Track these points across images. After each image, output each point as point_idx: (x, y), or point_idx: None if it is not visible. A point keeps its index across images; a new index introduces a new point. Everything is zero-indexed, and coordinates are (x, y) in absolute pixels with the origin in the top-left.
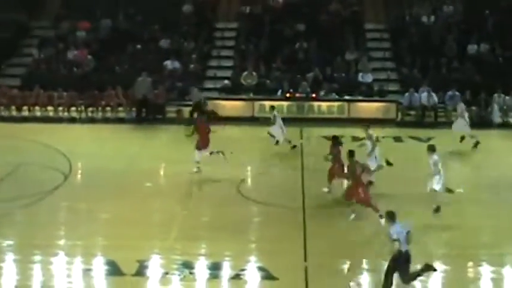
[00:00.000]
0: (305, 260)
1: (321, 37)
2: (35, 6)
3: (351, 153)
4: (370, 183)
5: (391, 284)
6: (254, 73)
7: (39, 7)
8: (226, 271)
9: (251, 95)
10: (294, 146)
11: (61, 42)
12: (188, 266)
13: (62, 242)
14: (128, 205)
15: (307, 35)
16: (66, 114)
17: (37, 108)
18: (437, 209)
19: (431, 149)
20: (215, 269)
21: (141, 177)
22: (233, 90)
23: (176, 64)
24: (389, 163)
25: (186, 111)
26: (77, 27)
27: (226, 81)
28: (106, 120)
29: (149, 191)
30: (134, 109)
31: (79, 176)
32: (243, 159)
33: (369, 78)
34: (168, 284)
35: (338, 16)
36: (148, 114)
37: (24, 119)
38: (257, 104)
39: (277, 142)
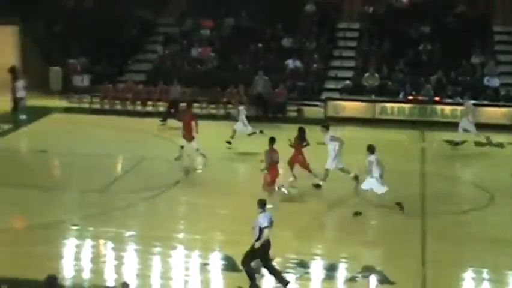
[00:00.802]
0: (423, 266)
1: (446, 39)
2: (161, 4)
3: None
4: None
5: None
6: (376, 74)
7: (164, 5)
8: (342, 273)
9: (372, 96)
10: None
11: (185, 39)
12: (304, 265)
13: (181, 235)
14: (246, 202)
15: (432, 36)
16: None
17: (161, 103)
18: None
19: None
20: (331, 269)
21: (259, 175)
22: (354, 91)
23: (298, 63)
24: None
25: (307, 110)
26: (201, 25)
27: (347, 82)
28: (226, 117)
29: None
30: (253, 107)
31: (200, 171)
32: (362, 161)
33: (496, 82)
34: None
35: (464, 18)
36: (266, 113)
37: (149, 114)
38: (378, 106)
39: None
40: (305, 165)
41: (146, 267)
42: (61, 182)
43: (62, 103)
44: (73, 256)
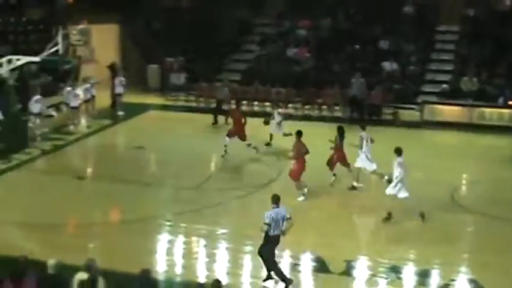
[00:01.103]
0: None
1: None
2: (258, 5)
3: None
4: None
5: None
6: (475, 79)
7: (262, 5)
8: (435, 280)
9: (470, 101)
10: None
11: (282, 39)
12: (395, 270)
13: None
14: (337, 203)
15: None
16: (283, 110)
17: (255, 103)
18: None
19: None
20: (423, 276)
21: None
22: (452, 95)
23: (395, 66)
24: None
25: (403, 113)
26: (297, 26)
27: (444, 86)
28: (321, 119)
29: (359, 192)
30: (348, 109)
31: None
32: (458, 166)
33: None
34: (374, 286)
35: None
36: (361, 115)
37: (243, 113)
38: (476, 110)
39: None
40: (346, 163)
41: (237, 266)
42: (156, 178)
43: (159, 100)
44: (166, 251)
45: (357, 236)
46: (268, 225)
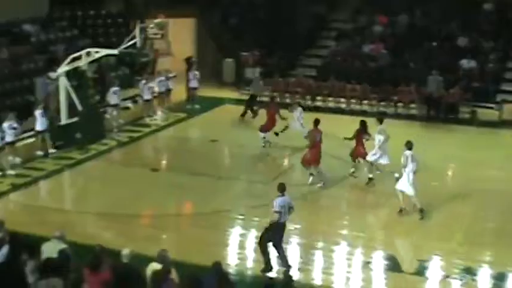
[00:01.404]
0: None
1: None
2: (335, 0)
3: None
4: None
5: (268, 253)
6: None
7: (338, 0)
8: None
9: None
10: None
11: (358, 35)
12: (470, 272)
13: (344, 231)
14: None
15: None
16: (358, 107)
17: (330, 99)
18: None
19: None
20: (499, 279)
21: (428, 176)
22: None
23: (473, 63)
24: None
25: (481, 112)
26: (374, 22)
27: None
28: (396, 116)
29: (435, 190)
30: (424, 107)
31: (366, 168)
32: None
33: None
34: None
35: None
36: (438, 113)
37: (317, 109)
38: None
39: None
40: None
41: (309, 261)
42: (230, 172)
43: (234, 94)
44: (238, 244)
45: (431, 236)
46: (279, 213)
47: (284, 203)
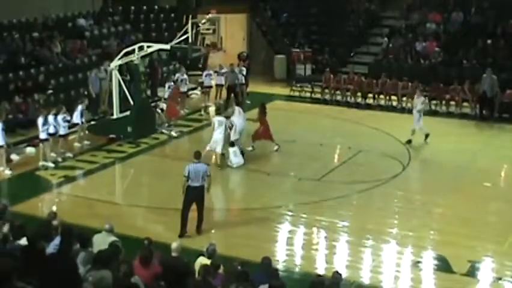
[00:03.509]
0: None
1: None
2: None
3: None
4: None
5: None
6: None
7: None
8: None
9: None
10: None
11: (410, 33)
12: None
13: (394, 230)
14: (463, 202)
15: None
16: (409, 105)
17: (381, 96)
18: None
19: None
20: None
21: (480, 176)
22: None
23: None
24: None
25: None
26: (427, 19)
27: None
28: (448, 115)
29: (487, 191)
30: (478, 106)
31: (417, 167)
32: None
33: None
34: None
35: None
36: (491, 113)
37: (369, 106)
38: None
39: None
40: (269, 136)
41: (357, 259)
42: (279, 168)
43: (285, 91)
44: (286, 241)
45: (483, 237)
46: (187, 177)
47: (193, 169)
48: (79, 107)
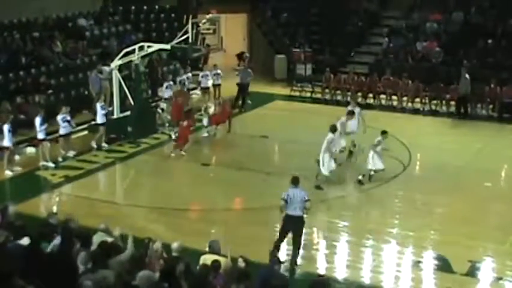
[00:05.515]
0: None
1: None
2: None
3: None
4: None
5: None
6: None
7: None
8: None
9: None
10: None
11: (411, 32)
12: None
13: (394, 230)
14: (464, 202)
15: None
16: (410, 105)
17: (382, 96)
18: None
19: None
20: None
21: (480, 176)
22: None
23: None
24: None
25: None
26: (428, 19)
27: None
28: (449, 115)
29: (488, 191)
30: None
31: (418, 167)
32: None
33: None
34: None
35: None
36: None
37: (369, 106)
38: None
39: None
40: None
41: (358, 259)
42: (279, 168)
43: (285, 91)
44: (286, 241)
45: (484, 237)
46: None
47: (287, 194)
48: (98, 106)
